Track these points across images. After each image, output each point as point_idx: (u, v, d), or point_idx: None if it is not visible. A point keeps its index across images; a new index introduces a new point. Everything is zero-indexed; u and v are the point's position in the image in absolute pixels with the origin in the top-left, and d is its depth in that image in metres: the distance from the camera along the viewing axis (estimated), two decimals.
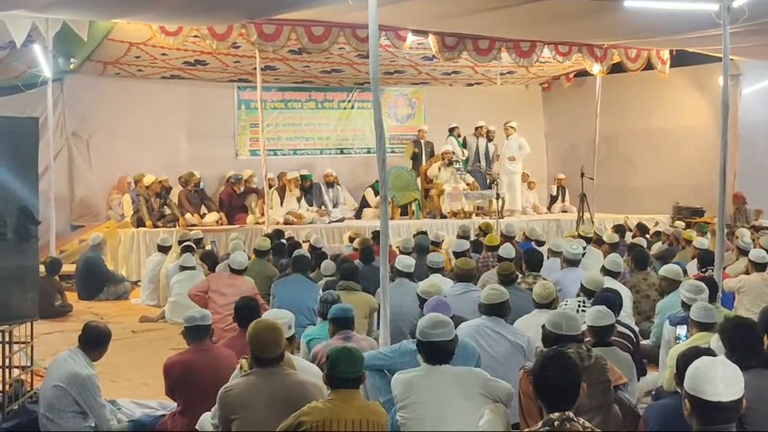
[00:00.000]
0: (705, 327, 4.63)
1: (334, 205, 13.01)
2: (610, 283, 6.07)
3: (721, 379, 2.57)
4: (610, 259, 6.98)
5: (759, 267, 6.83)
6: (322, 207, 12.71)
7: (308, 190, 12.86)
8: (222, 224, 11.77)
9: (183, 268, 8.19)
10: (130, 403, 5.18)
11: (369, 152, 14.40)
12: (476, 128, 13.80)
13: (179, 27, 9.61)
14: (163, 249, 9.49)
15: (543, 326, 4.07)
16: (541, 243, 9.14)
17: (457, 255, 7.75)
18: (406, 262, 6.64)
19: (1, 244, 4.77)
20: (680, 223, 11.23)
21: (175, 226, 11.14)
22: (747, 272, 7.06)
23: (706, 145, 12.58)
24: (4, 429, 4.72)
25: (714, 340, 4.25)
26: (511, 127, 13.64)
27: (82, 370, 4.47)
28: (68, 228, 12.11)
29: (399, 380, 3.76)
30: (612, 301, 5.00)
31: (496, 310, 4.81)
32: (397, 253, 8.01)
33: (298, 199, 12.59)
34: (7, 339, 5.05)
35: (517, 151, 13.51)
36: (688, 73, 13.59)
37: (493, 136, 13.85)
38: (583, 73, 14.03)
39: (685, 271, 7.07)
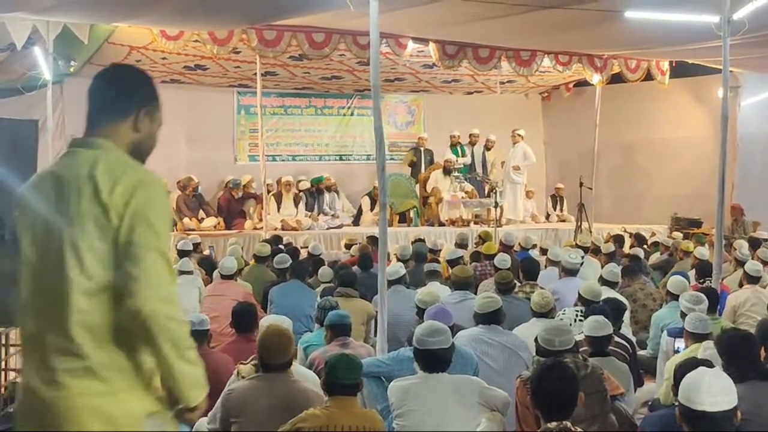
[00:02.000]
0: (699, 338, 4.62)
1: (331, 210, 12.97)
2: (607, 293, 6.06)
3: (707, 389, 2.58)
4: (607, 269, 6.96)
5: (752, 279, 6.79)
6: (322, 213, 12.71)
7: (319, 194, 12.85)
8: (220, 229, 11.72)
9: (180, 273, 8.13)
10: None
11: (368, 159, 14.42)
12: (470, 135, 13.76)
13: (180, 31, 9.61)
14: None
15: (535, 340, 4.02)
16: (544, 251, 9.08)
17: (451, 263, 7.70)
18: (391, 269, 6.48)
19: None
20: (678, 234, 11.22)
21: (172, 231, 11.10)
22: (742, 283, 7.05)
23: (704, 156, 12.60)
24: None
25: (702, 349, 4.25)
26: (519, 135, 13.53)
27: None
28: None
29: (396, 388, 3.75)
30: (613, 312, 4.99)
31: (491, 317, 4.79)
32: (393, 260, 7.99)
33: (296, 205, 12.57)
34: (3, 341, 5.04)
35: (522, 160, 13.44)
36: (687, 84, 13.60)
37: (491, 146, 13.82)
38: (582, 83, 14.04)
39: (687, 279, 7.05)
